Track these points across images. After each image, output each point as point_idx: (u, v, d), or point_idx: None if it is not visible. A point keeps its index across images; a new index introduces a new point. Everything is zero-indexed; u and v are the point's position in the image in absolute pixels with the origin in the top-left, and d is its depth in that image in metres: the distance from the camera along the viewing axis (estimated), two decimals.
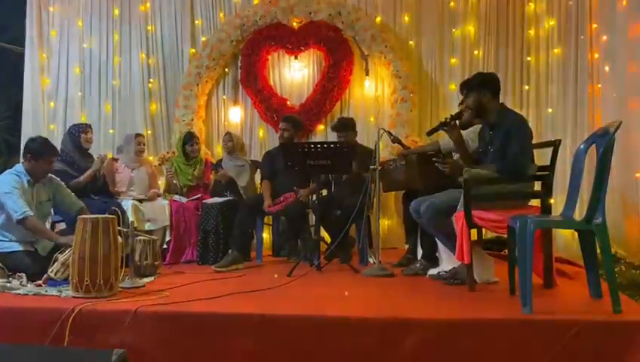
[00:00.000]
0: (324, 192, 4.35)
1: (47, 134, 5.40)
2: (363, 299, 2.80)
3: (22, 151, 3.69)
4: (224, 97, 5.47)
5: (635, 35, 3.96)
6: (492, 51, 5.02)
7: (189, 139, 4.65)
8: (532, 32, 4.95)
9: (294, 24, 5.27)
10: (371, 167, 3.57)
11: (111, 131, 5.50)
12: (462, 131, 3.28)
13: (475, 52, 5.07)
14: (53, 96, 5.63)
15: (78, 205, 3.63)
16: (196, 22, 5.48)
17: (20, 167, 3.47)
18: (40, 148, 3.45)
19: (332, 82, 5.15)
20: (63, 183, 3.70)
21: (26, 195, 3.38)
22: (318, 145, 3.68)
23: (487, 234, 4.09)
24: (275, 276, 3.49)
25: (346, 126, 4.30)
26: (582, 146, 2.69)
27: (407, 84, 4.97)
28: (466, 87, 3.16)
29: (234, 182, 4.45)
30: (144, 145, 4.62)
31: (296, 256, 3.95)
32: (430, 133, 3.40)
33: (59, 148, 4.25)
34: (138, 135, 4.61)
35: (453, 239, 2.96)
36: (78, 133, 4.25)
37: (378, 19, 5.19)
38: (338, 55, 5.15)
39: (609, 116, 4.17)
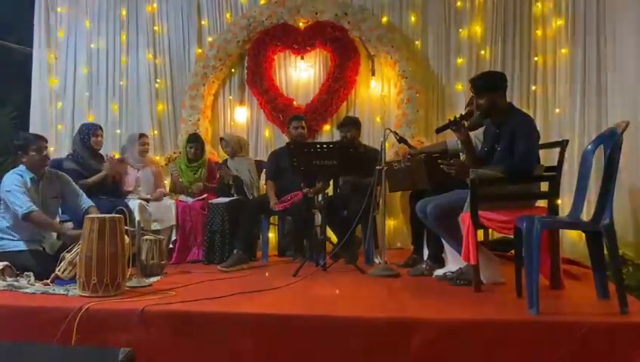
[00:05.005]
0: (331, 192, 4.35)
1: (55, 134, 5.48)
2: (369, 299, 2.80)
3: None
4: (230, 97, 5.48)
5: None
6: (499, 51, 5.00)
7: (191, 140, 4.64)
8: (539, 31, 4.93)
9: (300, 24, 5.28)
10: (377, 167, 3.56)
11: (118, 131, 5.54)
12: (470, 132, 3.27)
13: (482, 52, 5.05)
14: (61, 96, 5.67)
15: (87, 203, 3.64)
16: (203, 22, 5.50)
17: (22, 166, 3.50)
18: (23, 140, 3.50)
19: (338, 82, 5.15)
20: (71, 180, 3.71)
21: (30, 193, 3.40)
22: (324, 146, 3.68)
23: (494, 235, 4.08)
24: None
25: (349, 122, 4.31)
26: (589, 147, 2.67)
27: (413, 84, 4.96)
28: (479, 86, 3.09)
29: (241, 182, 4.45)
30: (148, 145, 4.61)
31: (302, 256, 3.95)
32: (439, 130, 3.38)
33: (71, 148, 4.32)
34: (141, 135, 4.61)
35: (460, 239, 2.96)
36: (88, 135, 4.26)
37: (384, 19, 5.18)
38: (344, 55, 5.16)
39: (617, 116, 4.15)
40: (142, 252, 3.26)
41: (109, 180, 4.26)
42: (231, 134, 4.78)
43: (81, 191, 3.71)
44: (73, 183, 3.71)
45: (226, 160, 4.68)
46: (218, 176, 4.59)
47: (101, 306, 2.50)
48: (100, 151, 4.41)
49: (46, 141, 3.59)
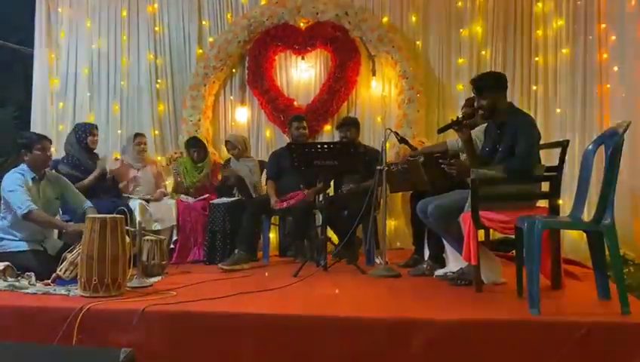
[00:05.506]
0: (331, 192, 4.35)
1: (56, 134, 5.47)
2: (370, 299, 2.80)
3: None
4: (231, 98, 5.49)
5: None
6: (500, 51, 5.00)
7: (192, 145, 4.65)
8: (540, 32, 4.93)
9: (301, 24, 5.28)
10: (378, 167, 3.56)
11: (119, 132, 5.53)
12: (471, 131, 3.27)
13: (483, 52, 5.05)
14: (62, 96, 5.67)
15: (86, 204, 3.65)
16: (203, 22, 5.50)
17: (23, 165, 3.51)
18: (29, 139, 3.52)
19: (339, 82, 5.15)
20: (70, 182, 3.73)
21: (31, 192, 3.41)
22: (325, 146, 3.68)
23: (495, 235, 4.08)
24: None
25: (348, 122, 4.31)
26: (590, 147, 2.68)
27: (414, 84, 4.96)
28: (479, 87, 3.08)
29: (244, 182, 4.46)
30: (145, 144, 4.59)
31: (303, 257, 3.96)
32: (441, 130, 3.40)
33: (64, 149, 4.32)
34: (137, 135, 4.59)
35: (461, 240, 2.96)
36: (85, 135, 4.25)
37: (385, 19, 5.19)
38: (345, 55, 5.15)
39: (618, 116, 4.15)
40: (143, 252, 3.26)
41: (110, 180, 4.26)
42: (235, 135, 4.73)
43: (80, 193, 3.72)
44: (72, 186, 3.72)
45: (229, 160, 4.67)
46: (220, 176, 4.60)
47: (102, 306, 2.50)
48: (96, 151, 4.41)
49: (50, 142, 3.60)
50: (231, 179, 4.46)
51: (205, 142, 4.84)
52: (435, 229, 3.28)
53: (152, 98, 5.50)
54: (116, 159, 4.50)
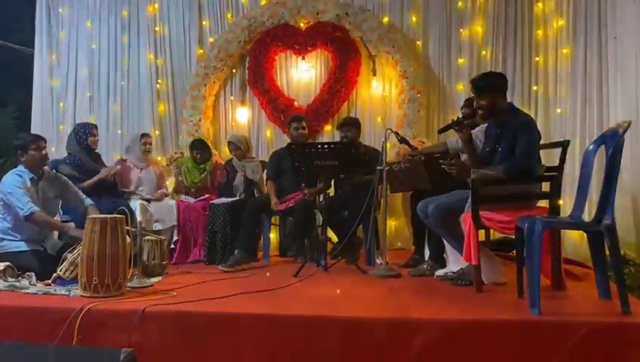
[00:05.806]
0: (332, 192, 4.35)
1: (56, 135, 5.48)
2: (370, 299, 2.80)
3: None
4: (231, 98, 5.48)
5: None
6: (500, 51, 5.00)
7: (197, 147, 4.66)
8: (541, 32, 4.93)
9: (301, 25, 5.28)
10: (378, 167, 3.56)
11: (119, 132, 5.54)
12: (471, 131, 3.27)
13: (483, 52, 5.05)
14: (63, 96, 5.68)
15: (87, 202, 3.66)
16: (204, 22, 5.50)
17: (21, 166, 3.51)
18: (24, 140, 3.53)
19: (339, 83, 5.15)
20: (69, 181, 3.73)
21: (30, 193, 3.41)
22: (325, 146, 3.67)
23: (495, 235, 4.08)
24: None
25: (349, 122, 4.31)
26: (591, 147, 2.68)
27: (414, 84, 4.96)
28: (479, 87, 3.07)
29: (250, 182, 4.45)
30: (150, 145, 4.60)
31: (303, 257, 3.95)
32: (441, 131, 3.40)
33: (65, 149, 4.32)
34: (144, 135, 4.59)
35: (461, 240, 2.96)
36: (85, 135, 4.22)
37: (385, 19, 5.18)
38: (345, 55, 5.15)
39: (618, 116, 4.15)
40: (143, 252, 3.26)
41: (109, 179, 4.26)
42: (237, 136, 4.70)
43: (80, 192, 3.72)
44: (72, 184, 3.72)
45: (231, 159, 4.67)
46: (219, 175, 4.60)
47: (102, 306, 2.50)
48: (97, 151, 4.40)
49: (45, 141, 3.61)
50: (231, 177, 4.46)
51: (210, 144, 4.84)
52: (436, 229, 3.28)
53: (152, 98, 5.50)
54: (122, 159, 4.50)
